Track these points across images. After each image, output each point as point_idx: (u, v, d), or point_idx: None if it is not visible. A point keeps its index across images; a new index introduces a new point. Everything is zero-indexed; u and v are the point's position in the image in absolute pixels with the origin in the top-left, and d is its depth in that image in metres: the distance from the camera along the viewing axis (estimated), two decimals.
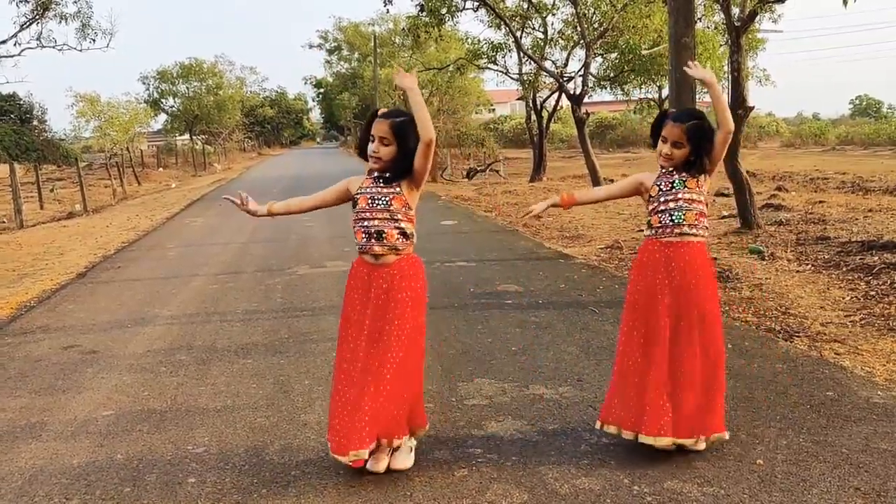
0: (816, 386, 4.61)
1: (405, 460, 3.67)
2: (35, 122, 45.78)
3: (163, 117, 55.91)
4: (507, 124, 56.48)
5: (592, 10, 19.06)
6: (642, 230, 12.13)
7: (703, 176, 3.72)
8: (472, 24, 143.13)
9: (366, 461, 3.53)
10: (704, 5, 16.20)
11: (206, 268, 9.71)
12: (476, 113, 45.04)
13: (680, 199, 3.68)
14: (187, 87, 52.99)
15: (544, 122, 24.02)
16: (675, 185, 3.70)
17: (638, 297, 3.78)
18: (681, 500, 3.28)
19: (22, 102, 45.44)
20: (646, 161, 35.30)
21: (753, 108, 11.11)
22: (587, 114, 18.33)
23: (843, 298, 6.91)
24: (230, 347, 5.90)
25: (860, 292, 7.04)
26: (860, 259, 8.32)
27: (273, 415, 4.51)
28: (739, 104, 10.89)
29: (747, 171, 20.56)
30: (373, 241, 3.58)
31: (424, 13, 17.69)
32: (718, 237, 10.84)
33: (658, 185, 3.74)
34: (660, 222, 3.72)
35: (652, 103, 26.44)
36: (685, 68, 3.95)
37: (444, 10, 17.55)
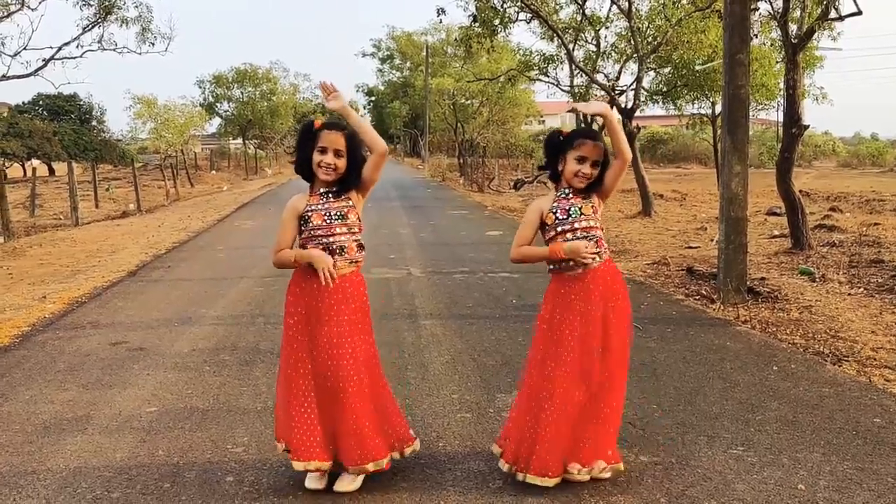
0: (863, 412, 4.49)
1: (350, 483, 3.57)
2: (94, 123, 46.91)
3: (217, 121, 56.89)
4: None
5: (647, 23, 18.88)
6: (690, 246, 11.99)
7: (596, 199, 3.62)
8: (524, 36, 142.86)
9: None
10: (761, 22, 15.93)
11: (254, 270, 9.84)
12: (526, 124, 45.01)
13: (577, 228, 3.53)
14: (242, 92, 53.78)
15: None
16: (570, 212, 3.56)
17: (549, 339, 3.59)
18: None
19: (82, 103, 46.56)
20: (696, 177, 34.88)
21: (808, 126, 10.89)
22: (637, 128, 18.19)
23: None
24: (273, 350, 5.96)
25: None
26: None
27: None
28: (794, 122, 10.70)
29: (801, 191, 20.22)
30: (335, 256, 3.52)
31: (477, 24, 17.72)
32: (769, 256, 10.66)
33: (554, 213, 3.58)
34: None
35: (705, 119, 26.07)
36: (575, 105, 3.88)
37: (496, 22, 17.54)
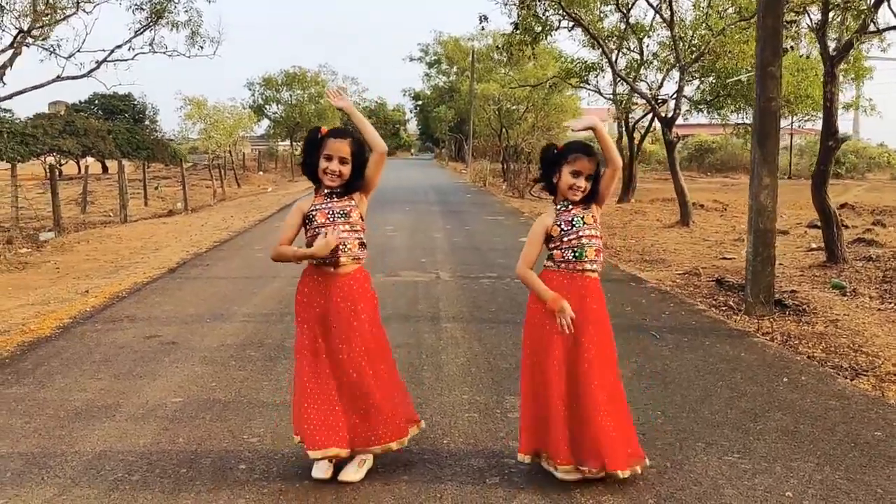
0: (866, 425, 4.54)
1: (355, 473, 3.78)
2: (147, 122, 48.06)
3: (266, 123, 57.77)
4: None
5: (691, 32, 18.82)
6: (725, 257, 11.96)
7: (594, 207, 3.79)
8: (566, 43, 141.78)
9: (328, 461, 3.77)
10: (803, 34, 15.79)
11: (287, 270, 10.03)
12: (573, 131, 44.85)
13: (582, 236, 3.71)
14: (290, 95, 54.62)
15: (635, 142, 23.83)
16: (574, 222, 3.73)
17: (535, 329, 3.77)
18: None
19: (136, 103, 47.79)
20: (742, 187, 34.47)
21: (845, 139, 10.82)
22: (678, 137, 18.12)
23: None
24: None
25: None
26: None
27: None
28: (831, 135, 10.64)
29: (846, 204, 19.91)
30: (338, 251, 3.73)
31: (519, 31, 17.85)
32: (802, 269, 10.60)
33: (559, 226, 3.75)
34: (562, 257, 3.73)
35: (750, 129, 25.81)
36: (567, 124, 4.01)
37: (538, 29, 17.66)
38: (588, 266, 3.72)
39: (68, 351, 6.19)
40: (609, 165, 3.77)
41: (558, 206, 3.80)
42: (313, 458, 3.74)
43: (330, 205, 3.79)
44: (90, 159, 38.45)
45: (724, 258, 11.94)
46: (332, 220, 3.76)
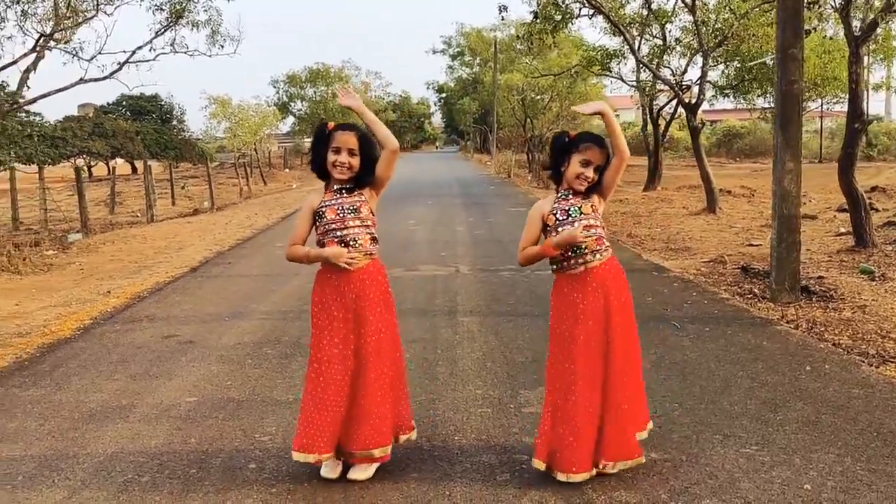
0: (890, 413, 4.41)
1: (363, 472, 3.74)
2: (175, 122, 48.47)
3: (291, 120, 58.05)
4: (628, 131, 55.56)
5: (713, 16, 18.53)
6: (752, 244, 11.76)
7: (596, 199, 3.69)
8: (588, 31, 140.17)
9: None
10: (832, 15, 15.45)
11: (308, 267, 10.02)
12: (599, 119, 44.50)
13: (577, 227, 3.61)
14: (315, 91, 54.83)
15: (660, 130, 23.55)
16: (570, 212, 3.63)
17: (560, 336, 3.69)
18: None
19: (163, 103, 48.21)
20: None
21: (871, 121, 10.58)
22: (702, 123, 17.86)
23: None
24: None
25: None
26: None
27: None
28: (857, 117, 10.40)
29: (877, 186, 19.52)
30: (349, 248, 3.69)
31: (539, 20, 17.68)
32: (830, 255, 10.39)
33: (554, 214, 3.66)
34: (562, 256, 3.63)
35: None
36: (574, 108, 3.90)
37: (558, 17, 17.47)
38: (590, 258, 3.62)
39: (86, 352, 6.23)
40: (616, 155, 3.67)
41: (559, 195, 3.72)
42: (294, 460, 3.72)
43: (339, 201, 3.74)
44: (119, 160, 38.88)
45: (751, 245, 11.75)
46: (341, 216, 3.71)
